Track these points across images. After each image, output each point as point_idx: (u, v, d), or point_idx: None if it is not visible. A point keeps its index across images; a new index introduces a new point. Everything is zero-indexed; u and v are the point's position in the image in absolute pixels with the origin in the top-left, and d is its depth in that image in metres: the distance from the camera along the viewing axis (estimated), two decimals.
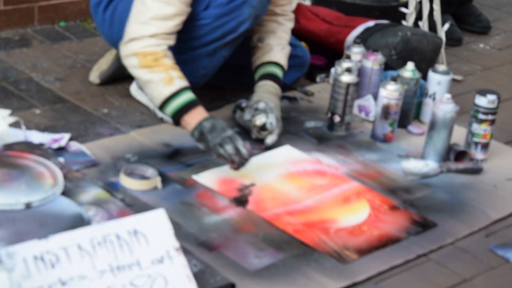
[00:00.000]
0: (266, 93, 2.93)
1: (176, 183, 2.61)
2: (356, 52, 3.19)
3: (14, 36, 3.54)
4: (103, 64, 3.18)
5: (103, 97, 3.11)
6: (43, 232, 2.12)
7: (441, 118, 2.86)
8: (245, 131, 2.92)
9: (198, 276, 2.10)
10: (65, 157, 2.63)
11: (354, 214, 2.58)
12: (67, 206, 2.31)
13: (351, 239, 2.45)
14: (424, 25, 3.63)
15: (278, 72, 3.01)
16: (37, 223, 2.22)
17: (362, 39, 3.37)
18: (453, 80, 3.49)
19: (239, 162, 2.59)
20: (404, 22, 3.60)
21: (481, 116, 2.91)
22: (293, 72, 3.22)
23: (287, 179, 2.72)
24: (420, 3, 3.67)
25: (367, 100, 3.17)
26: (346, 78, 2.99)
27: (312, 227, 2.48)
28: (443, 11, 3.89)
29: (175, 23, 2.71)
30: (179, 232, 2.34)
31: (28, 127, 2.79)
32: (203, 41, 2.86)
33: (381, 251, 2.42)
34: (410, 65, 3.07)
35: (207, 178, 2.65)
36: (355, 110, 3.17)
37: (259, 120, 2.83)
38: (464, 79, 3.69)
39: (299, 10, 3.62)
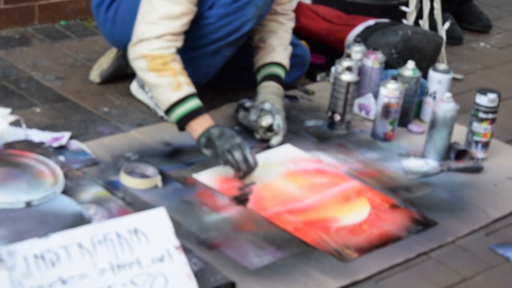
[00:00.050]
0: (271, 94, 2.93)
1: (176, 182, 2.61)
2: (356, 51, 3.19)
3: (15, 34, 3.54)
4: (104, 63, 3.18)
5: (104, 96, 3.11)
6: (44, 231, 2.12)
7: (442, 117, 2.86)
8: (246, 131, 2.92)
9: (198, 275, 2.10)
10: (65, 156, 2.63)
11: (354, 213, 2.58)
12: (67, 204, 2.31)
13: (351, 238, 2.45)
14: (424, 24, 3.63)
15: (281, 73, 3.00)
16: (37, 222, 2.22)
17: (363, 38, 3.37)
18: (454, 79, 3.50)
19: (245, 171, 2.59)
20: (404, 21, 3.60)
21: (481, 115, 2.91)
22: (293, 72, 3.22)
23: (287, 178, 2.72)
24: (421, 1, 3.67)
25: (368, 99, 3.17)
26: (347, 77, 2.99)
27: (313, 226, 2.48)
28: (444, 10, 3.89)
29: (182, 22, 2.71)
30: (180, 230, 2.34)
31: (29, 126, 2.79)
32: (207, 40, 2.85)
33: (381, 250, 2.42)
34: (411, 64, 3.07)
35: (208, 176, 2.65)
36: (356, 109, 3.17)
37: (266, 121, 2.84)
38: (465, 78, 3.69)
39: (299, 9, 3.63)
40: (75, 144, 2.72)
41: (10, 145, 2.56)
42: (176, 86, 2.64)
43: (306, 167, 2.79)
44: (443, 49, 3.56)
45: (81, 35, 3.61)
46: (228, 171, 2.64)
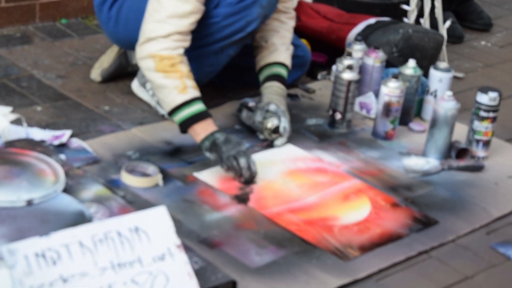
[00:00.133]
0: (275, 95, 2.93)
1: (177, 180, 2.61)
2: (357, 50, 3.19)
3: (16, 33, 3.54)
4: (105, 62, 3.18)
5: (105, 94, 3.11)
6: (45, 229, 2.12)
7: (443, 116, 2.86)
8: (248, 130, 2.92)
9: (199, 273, 2.10)
10: (66, 154, 2.63)
11: (355, 211, 2.58)
12: (68, 203, 2.31)
13: (352, 236, 2.45)
14: (425, 22, 3.63)
15: (284, 73, 3.00)
16: (38, 220, 2.22)
17: (364, 37, 3.37)
18: (455, 77, 3.50)
19: (247, 178, 2.59)
20: (405, 20, 3.60)
21: (482, 114, 2.91)
22: (294, 72, 3.22)
23: (288, 176, 2.72)
24: (422, 0, 3.67)
25: (368, 98, 3.17)
26: (347, 76, 2.99)
27: (313, 225, 2.48)
28: (445, 8, 3.89)
29: (190, 21, 2.70)
30: (180, 229, 2.34)
31: (30, 124, 2.79)
32: (211, 39, 2.85)
33: (382, 249, 2.42)
34: (412, 63, 3.07)
35: (209, 175, 2.65)
36: (356, 108, 3.17)
37: (271, 122, 2.84)
38: (466, 77, 3.69)
39: (300, 8, 3.62)
40: (76, 143, 2.72)
41: (11, 144, 2.56)
42: (182, 89, 2.64)
43: (307, 166, 2.79)
44: (444, 47, 3.56)
45: (82, 33, 3.61)
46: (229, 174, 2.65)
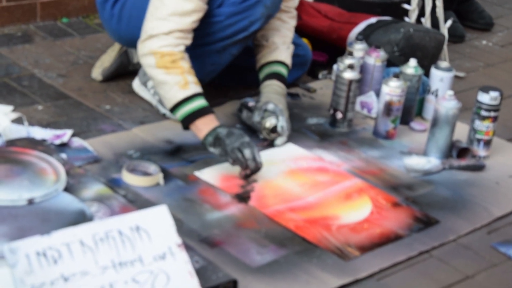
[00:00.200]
0: (274, 94, 2.93)
1: (178, 180, 2.61)
2: (358, 49, 3.19)
3: (17, 32, 3.54)
4: (106, 61, 3.18)
5: (106, 94, 3.11)
6: (46, 228, 2.12)
7: (444, 115, 2.86)
8: (249, 130, 2.92)
9: (200, 272, 2.10)
10: (67, 153, 2.63)
11: (356, 211, 2.58)
12: (69, 202, 2.31)
13: (353, 236, 2.45)
14: (426, 21, 3.63)
15: (284, 72, 3.00)
16: (39, 219, 2.22)
17: (365, 36, 3.37)
18: (456, 76, 3.49)
19: (253, 169, 2.59)
20: (406, 19, 3.60)
21: (483, 113, 2.91)
22: (294, 71, 3.22)
23: (289, 175, 2.72)
24: None
25: (369, 97, 3.16)
26: (348, 75, 2.99)
27: (314, 224, 2.48)
28: (446, 8, 3.89)
29: (192, 20, 2.70)
30: (181, 228, 2.35)
31: (31, 123, 2.80)
32: (214, 38, 2.85)
33: (383, 248, 2.42)
34: (413, 62, 3.07)
35: (209, 174, 2.65)
36: (357, 107, 3.17)
37: (269, 122, 2.84)
38: (467, 76, 3.69)
39: (301, 7, 3.62)
40: (77, 142, 2.72)
41: (12, 143, 2.56)
42: (183, 85, 2.64)
43: (308, 165, 2.79)
44: (445, 47, 3.56)
45: (83, 32, 3.61)
46: (231, 169, 2.64)
